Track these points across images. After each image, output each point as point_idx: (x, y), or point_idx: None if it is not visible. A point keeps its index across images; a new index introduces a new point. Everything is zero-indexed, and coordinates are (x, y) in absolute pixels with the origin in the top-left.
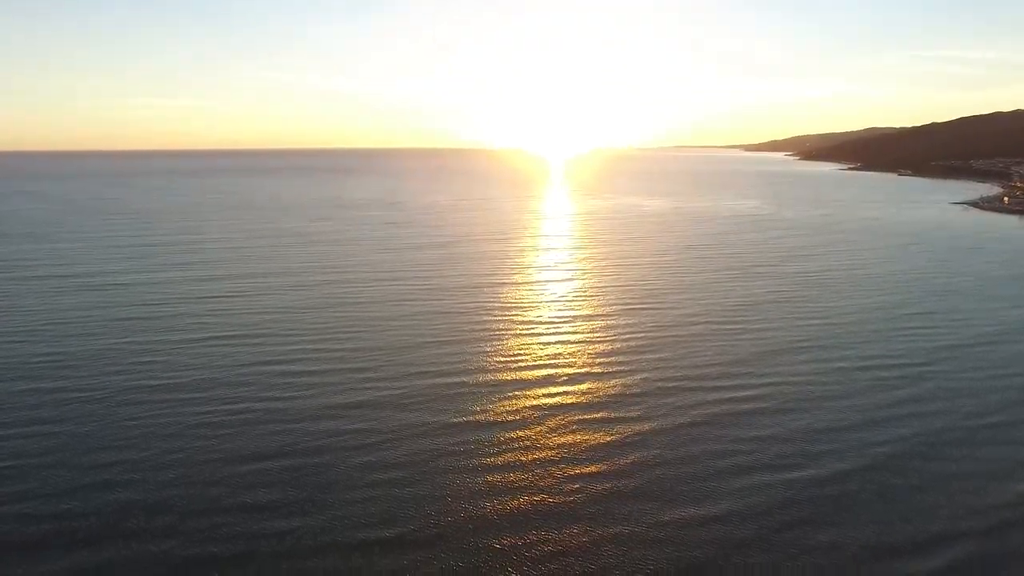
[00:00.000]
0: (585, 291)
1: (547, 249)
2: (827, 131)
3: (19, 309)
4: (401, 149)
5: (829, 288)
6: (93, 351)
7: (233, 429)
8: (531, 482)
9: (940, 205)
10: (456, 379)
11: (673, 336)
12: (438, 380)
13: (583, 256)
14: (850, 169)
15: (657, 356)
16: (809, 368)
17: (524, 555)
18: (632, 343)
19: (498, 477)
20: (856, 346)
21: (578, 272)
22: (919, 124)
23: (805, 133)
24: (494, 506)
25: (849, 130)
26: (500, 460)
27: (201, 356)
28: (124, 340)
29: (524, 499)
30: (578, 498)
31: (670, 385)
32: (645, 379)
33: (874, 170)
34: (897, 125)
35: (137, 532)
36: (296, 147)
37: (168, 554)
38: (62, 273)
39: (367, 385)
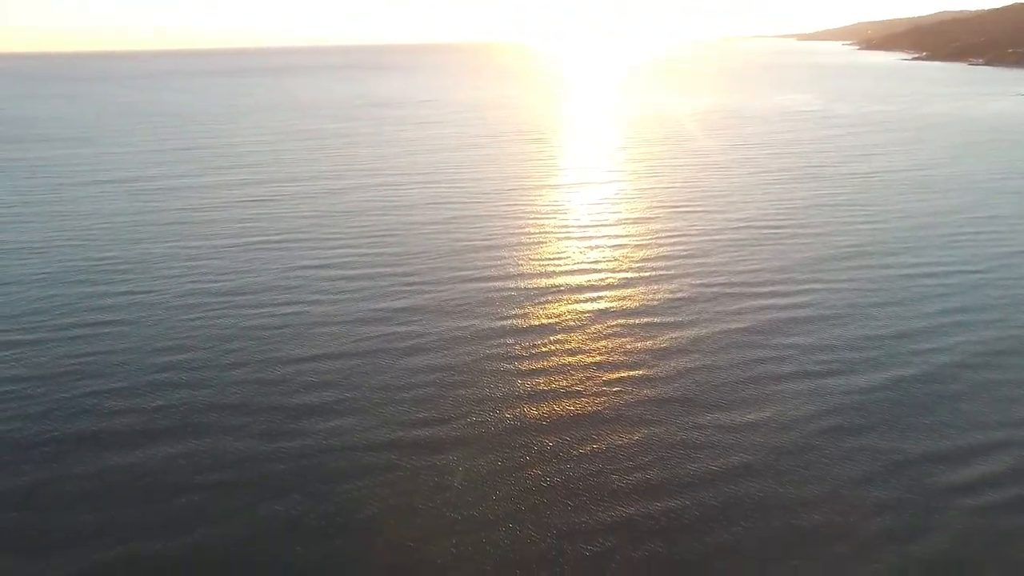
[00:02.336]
0: (627, 194)
1: (587, 150)
2: (890, 17)
3: (71, 215)
4: (414, 45)
5: (888, 190)
6: (145, 256)
7: (285, 332)
8: (573, 386)
9: (1016, 98)
10: (499, 284)
11: (721, 241)
12: (481, 285)
13: (624, 158)
14: (915, 59)
15: (703, 261)
16: (863, 275)
17: (565, 456)
18: (677, 248)
19: (541, 381)
20: (914, 252)
21: (619, 174)
22: (995, 7)
23: (865, 20)
24: (537, 409)
25: (916, 15)
26: (543, 364)
27: (248, 261)
28: (173, 245)
29: (566, 403)
30: (620, 402)
31: (717, 291)
32: (691, 285)
33: (941, 60)
34: (973, 8)
35: (201, 429)
36: (299, 45)
37: (230, 451)
38: (108, 178)
39: (410, 289)
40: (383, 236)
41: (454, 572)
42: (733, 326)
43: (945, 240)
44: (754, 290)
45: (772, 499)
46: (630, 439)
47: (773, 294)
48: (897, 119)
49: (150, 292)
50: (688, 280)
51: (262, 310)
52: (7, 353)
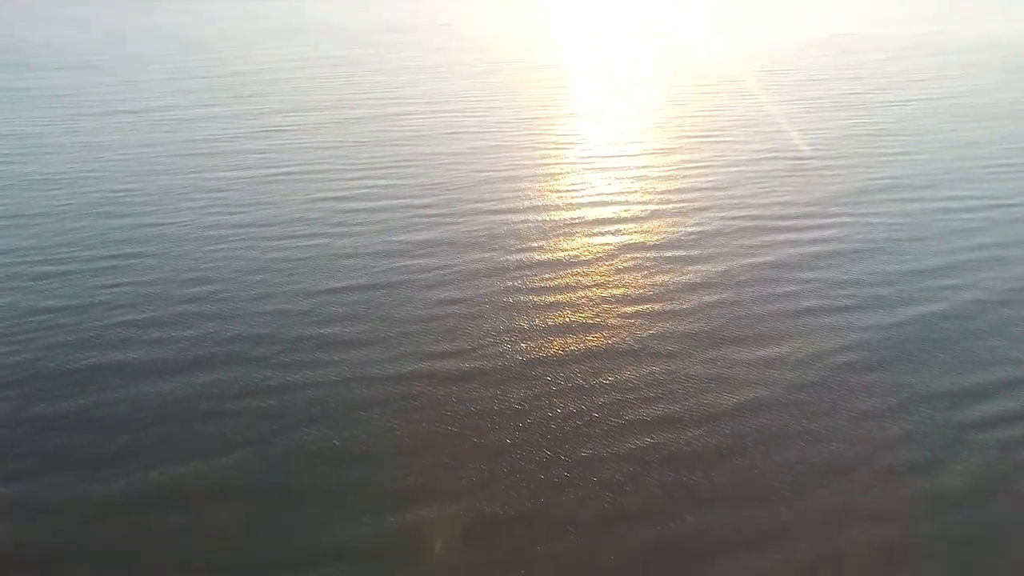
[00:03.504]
0: (652, 123)
1: (610, 78)
2: None
3: (91, 146)
4: None
5: (926, 120)
6: (166, 188)
7: (307, 264)
8: (594, 319)
9: None
10: (520, 216)
11: (748, 172)
12: (501, 217)
13: (648, 86)
14: None
15: (729, 193)
16: (895, 208)
17: (584, 388)
18: (703, 179)
19: (561, 313)
20: (950, 184)
21: (643, 103)
22: None
23: None
24: (557, 341)
25: None
26: (563, 297)
27: (267, 192)
28: (193, 176)
29: (586, 335)
30: (640, 335)
31: (742, 224)
32: (715, 217)
33: None
34: None
35: (230, 359)
36: None
37: (257, 380)
38: (124, 108)
39: (430, 221)
40: (401, 167)
41: (476, 496)
42: (757, 260)
43: (984, 172)
44: (780, 223)
45: (788, 432)
46: (649, 372)
47: (799, 227)
48: (940, 43)
49: (174, 224)
50: (712, 213)
51: (284, 242)
52: (40, 284)
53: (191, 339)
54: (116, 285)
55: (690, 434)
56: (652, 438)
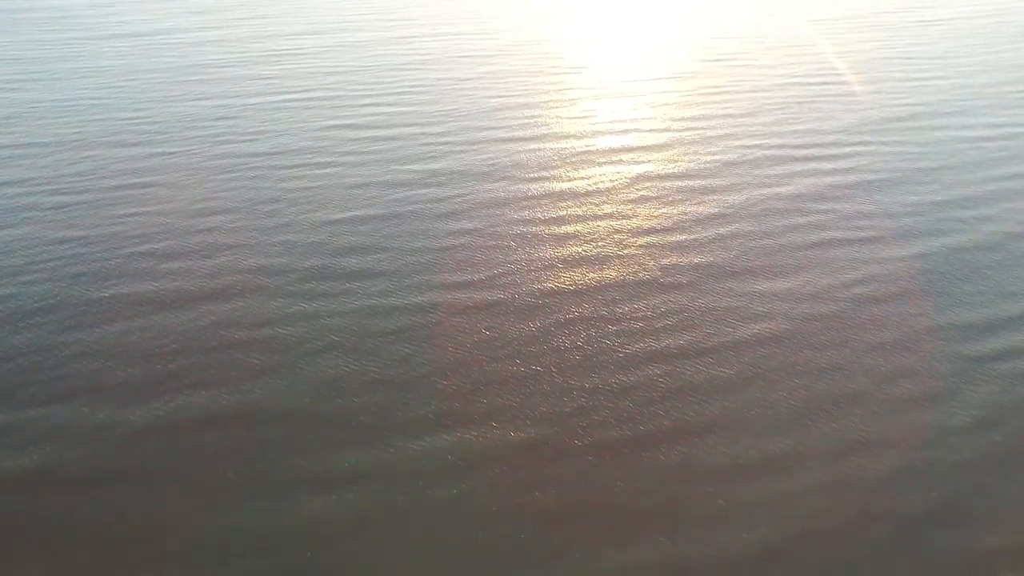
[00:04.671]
0: (669, 47)
1: None
2: None
3: (96, 72)
4: None
5: (956, 42)
6: (174, 115)
7: (320, 194)
8: (608, 250)
9: None
10: (534, 145)
11: (768, 99)
12: (515, 146)
13: (666, 7)
14: None
15: (749, 121)
16: (919, 137)
17: (597, 318)
18: (722, 107)
19: (576, 244)
20: (978, 111)
21: (661, 26)
22: None
23: None
24: (571, 272)
25: None
26: (578, 228)
27: (276, 120)
28: (200, 104)
29: (600, 267)
30: (658, 267)
31: (761, 154)
32: (734, 147)
33: None
34: None
35: (247, 290)
36: None
37: (274, 311)
38: (126, 31)
39: (442, 150)
40: (411, 93)
41: (491, 423)
42: (776, 190)
43: (1016, 98)
44: (802, 152)
45: (800, 363)
46: (664, 303)
47: (822, 156)
48: None
49: (184, 153)
50: (731, 142)
51: (296, 171)
52: (58, 214)
53: (209, 269)
54: (132, 215)
55: (702, 364)
56: (665, 368)
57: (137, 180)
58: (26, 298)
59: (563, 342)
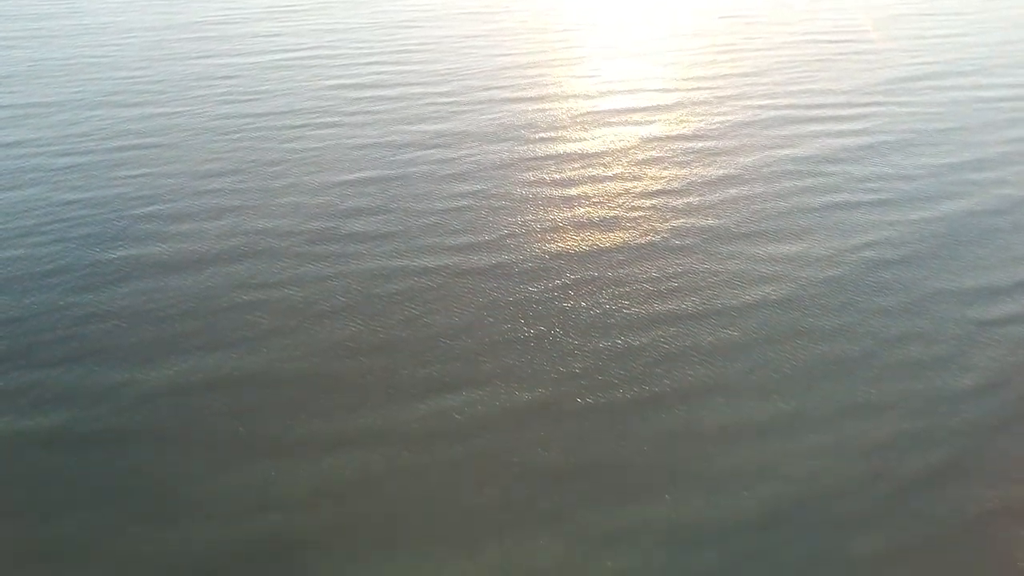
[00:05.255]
0: (682, 4)
1: None
2: None
3: (92, 30)
4: None
5: None
6: (175, 75)
7: (325, 155)
8: (615, 213)
9: None
10: (540, 105)
11: (783, 58)
12: (520, 107)
13: None
14: None
15: (760, 81)
16: (938, 98)
17: (603, 281)
18: (736, 66)
19: (583, 206)
20: (996, 71)
21: None
22: None
23: None
24: (578, 235)
25: None
26: (586, 190)
27: (279, 80)
28: (201, 62)
29: (607, 230)
30: (664, 230)
31: (774, 115)
32: (745, 107)
33: None
34: None
35: (254, 253)
36: None
37: (282, 273)
38: None
39: (447, 111)
40: (415, 51)
41: (496, 384)
42: (785, 152)
43: None
44: (814, 113)
45: (801, 327)
46: (669, 266)
47: (834, 118)
48: None
49: (188, 114)
50: (742, 102)
51: (300, 131)
52: (63, 176)
53: (216, 231)
54: (138, 176)
55: (708, 326)
56: (671, 330)
57: (141, 141)
58: (37, 260)
59: (569, 304)
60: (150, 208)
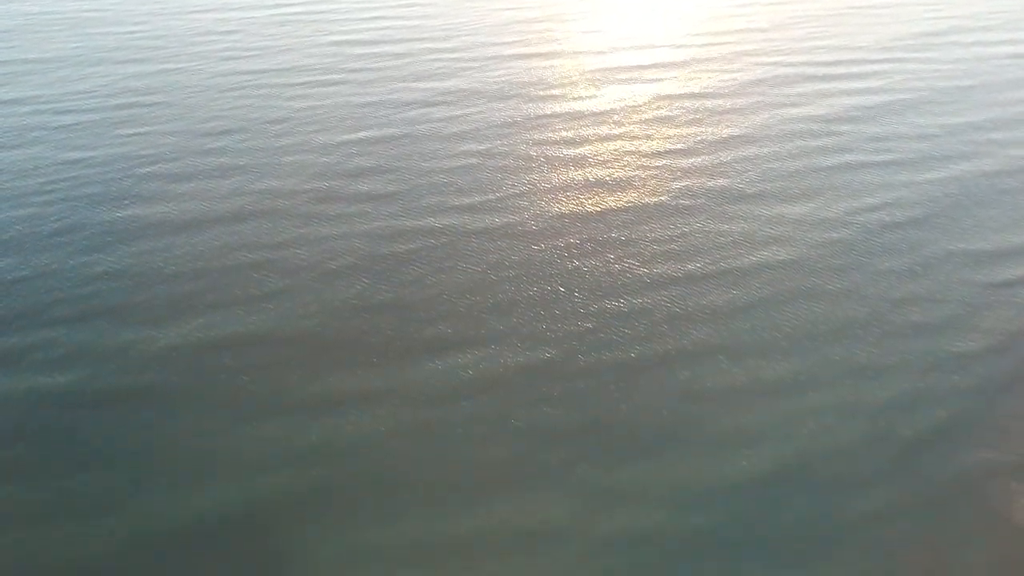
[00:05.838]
0: None
1: None
2: None
3: None
4: None
5: None
6: (176, 31)
7: (330, 113)
8: (623, 173)
9: None
10: (549, 63)
11: (798, 13)
12: (528, 63)
13: None
14: None
15: (773, 37)
16: (954, 55)
17: (610, 242)
18: (748, 21)
19: (593, 167)
20: (1017, 27)
21: None
22: None
23: None
24: (586, 195)
25: None
26: (594, 150)
27: (281, 36)
28: (202, 16)
29: (615, 190)
30: (672, 191)
31: (786, 72)
32: (757, 64)
33: None
34: None
35: (255, 213)
36: None
37: (288, 232)
38: None
39: (453, 68)
40: (417, 4)
41: (500, 344)
42: (797, 111)
43: None
44: (827, 71)
45: (807, 288)
46: (675, 226)
47: (847, 76)
48: None
49: (190, 70)
50: (754, 59)
51: (303, 89)
52: (65, 135)
53: (222, 191)
54: (143, 135)
55: (714, 287)
56: (677, 290)
57: (143, 99)
58: (46, 219)
59: (575, 264)
60: (155, 167)
